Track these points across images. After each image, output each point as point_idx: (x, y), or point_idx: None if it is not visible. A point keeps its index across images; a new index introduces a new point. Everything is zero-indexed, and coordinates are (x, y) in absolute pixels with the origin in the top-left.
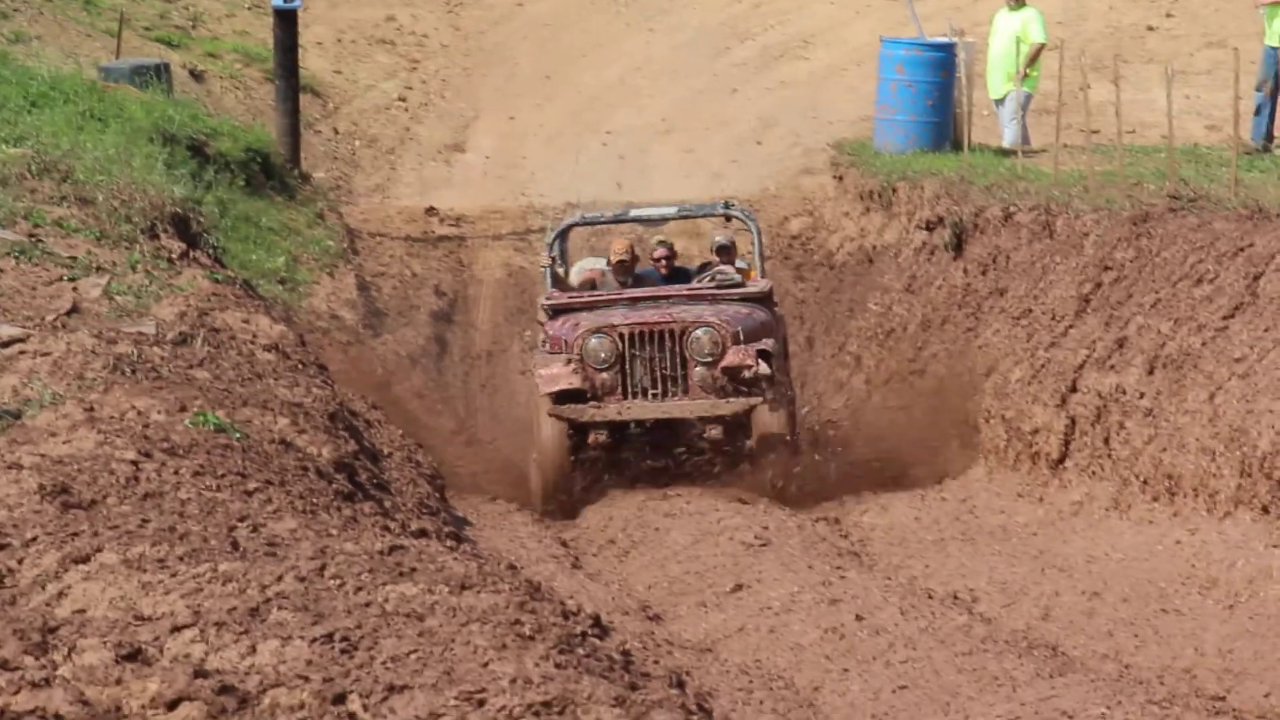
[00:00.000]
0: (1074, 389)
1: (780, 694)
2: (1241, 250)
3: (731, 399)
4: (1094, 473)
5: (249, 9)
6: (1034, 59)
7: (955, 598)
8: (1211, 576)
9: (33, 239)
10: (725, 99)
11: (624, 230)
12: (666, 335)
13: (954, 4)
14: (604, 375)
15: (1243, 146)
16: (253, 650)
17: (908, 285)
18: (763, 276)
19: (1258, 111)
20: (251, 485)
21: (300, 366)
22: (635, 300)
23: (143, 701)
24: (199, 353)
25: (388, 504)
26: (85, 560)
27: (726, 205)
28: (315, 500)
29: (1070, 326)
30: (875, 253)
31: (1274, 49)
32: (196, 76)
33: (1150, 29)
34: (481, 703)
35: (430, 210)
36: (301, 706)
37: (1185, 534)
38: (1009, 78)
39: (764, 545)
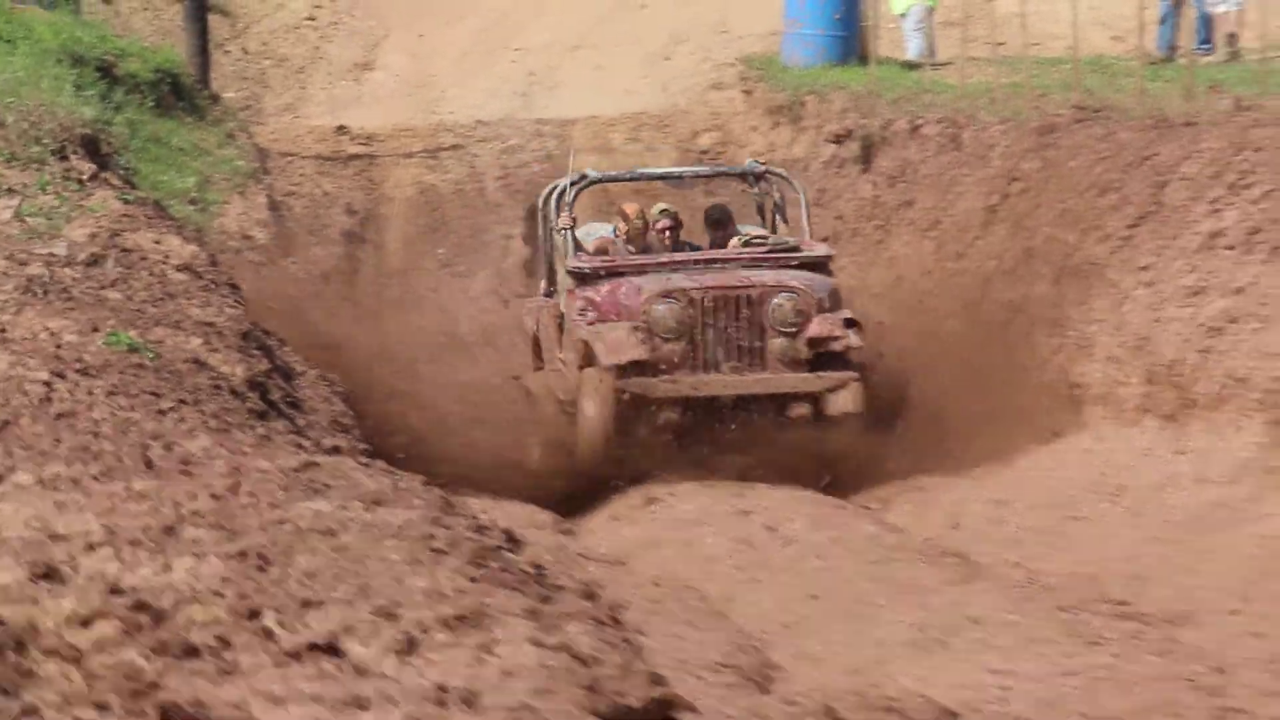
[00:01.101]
0: (981, 300)
1: (692, 604)
2: (1146, 159)
3: (821, 374)
4: (1002, 382)
5: None
6: None
7: (865, 508)
8: (1118, 484)
9: None
10: (635, 15)
11: (635, 196)
12: (744, 301)
13: None
14: (672, 345)
15: (1147, 57)
16: (167, 567)
17: (817, 198)
18: (812, 237)
19: (1162, 21)
20: (165, 404)
21: (212, 286)
22: (696, 263)
23: (58, 619)
24: (111, 273)
25: (301, 422)
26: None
27: (761, 165)
28: (228, 419)
29: (978, 238)
30: (784, 166)
31: None
32: (107, 1)
33: None
34: (395, 616)
35: (341, 129)
36: (217, 622)
37: (1092, 442)
38: None
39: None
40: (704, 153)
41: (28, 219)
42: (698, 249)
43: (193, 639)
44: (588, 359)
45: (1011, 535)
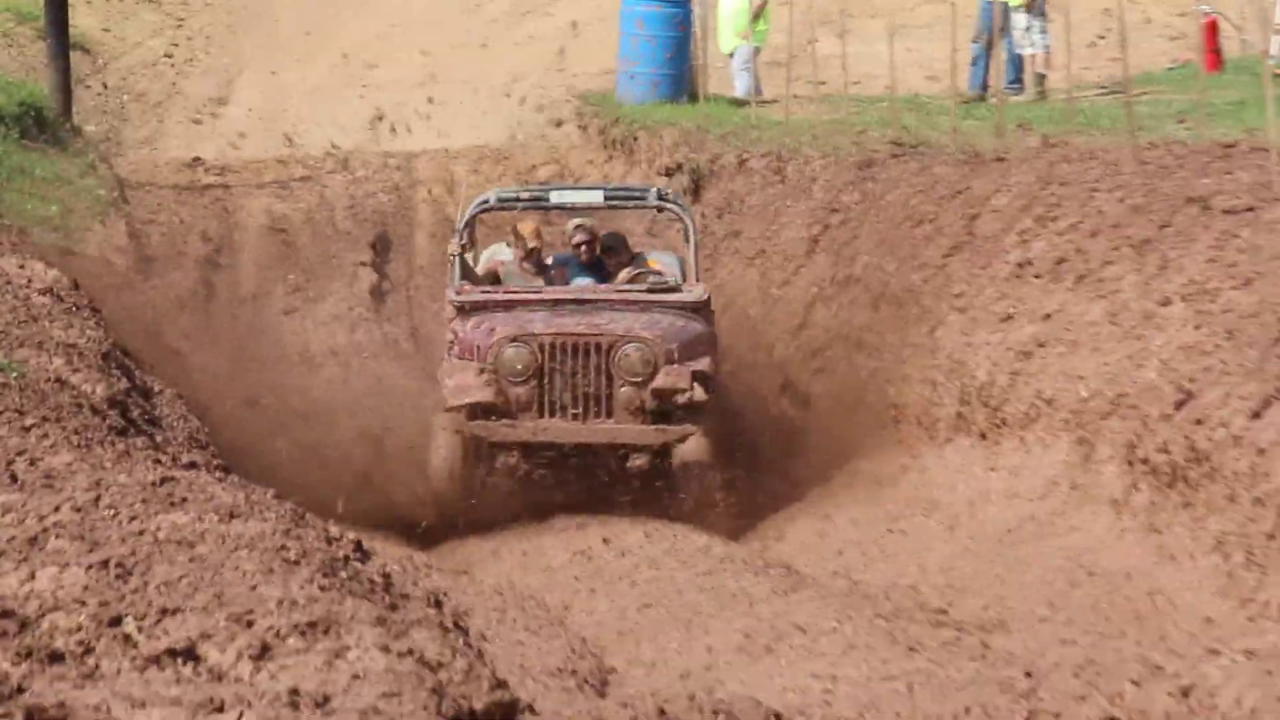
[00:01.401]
0: (804, 325)
1: (533, 612)
2: (959, 193)
3: (662, 427)
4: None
5: None
6: (759, 14)
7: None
8: (933, 499)
9: None
10: (478, 53)
11: (531, 218)
12: (592, 349)
13: None
14: (519, 390)
15: (960, 96)
16: (31, 576)
17: (649, 228)
18: (698, 278)
19: (974, 63)
20: (29, 421)
21: (74, 309)
22: (558, 302)
23: None
24: None
25: (159, 438)
26: None
27: (660, 195)
28: (90, 435)
29: (801, 266)
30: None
31: (989, 4)
32: None
33: None
34: (250, 624)
35: (196, 160)
36: (79, 629)
37: (909, 459)
38: (738, 33)
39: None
40: (542, 184)
41: None
42: (601, 266)
43: (57, 645)
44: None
45: (834, 547)
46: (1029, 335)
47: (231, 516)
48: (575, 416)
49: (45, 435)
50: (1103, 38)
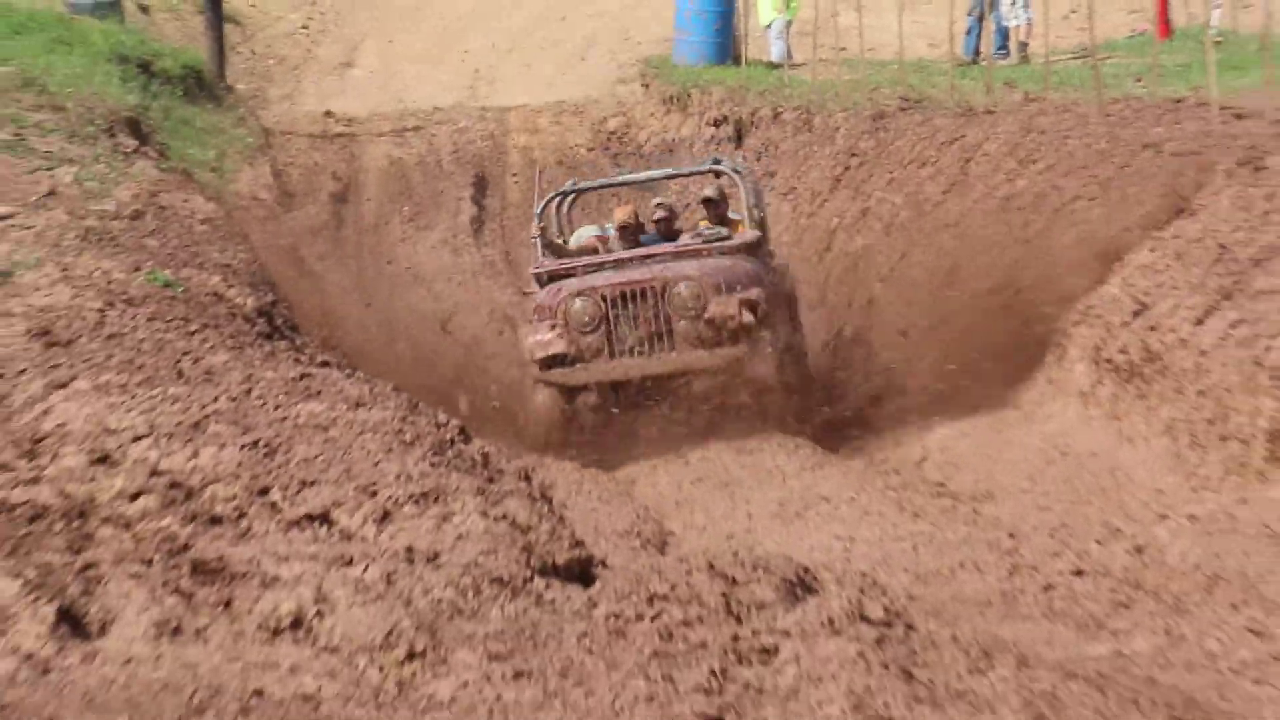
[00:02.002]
0: (828, 248)
1: (605, 485)
2: (956, 140)
3: (716, 350)
4: (844, 309)
5: None
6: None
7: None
8: None
9: (18, 138)
10: (556, 24)
11: (627, 196)
12: (648, 292)
13: None
14: (589, 338)
15: (957, 60)
16: (195, 455)
17: (699, 165)
18: (756, 226)
19: (969, 32)
20: (192, 328)
21: (228, 236)
22: (621, 262)
23: (110, 495)
24: (149, 225)
25: (299, 341)
26: (64, 386)
27: (715, 161)
28: (242, 339)
29: (825, 200)
30: (674, 144)
31: None
32: (144, 10)
33: None
34: (374, 493)
35: (328, 114)
36: (234, 497)
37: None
38: (774, 8)
39: None
40: (612, 133)
41: (85, 183)
42: (675, 227)
43: (216, 511)
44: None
45: (853, 433)
46: (1011, 257)
47: (358, 405)
48: (640, 353)
49: (205, 339)
50: (1075, 11)
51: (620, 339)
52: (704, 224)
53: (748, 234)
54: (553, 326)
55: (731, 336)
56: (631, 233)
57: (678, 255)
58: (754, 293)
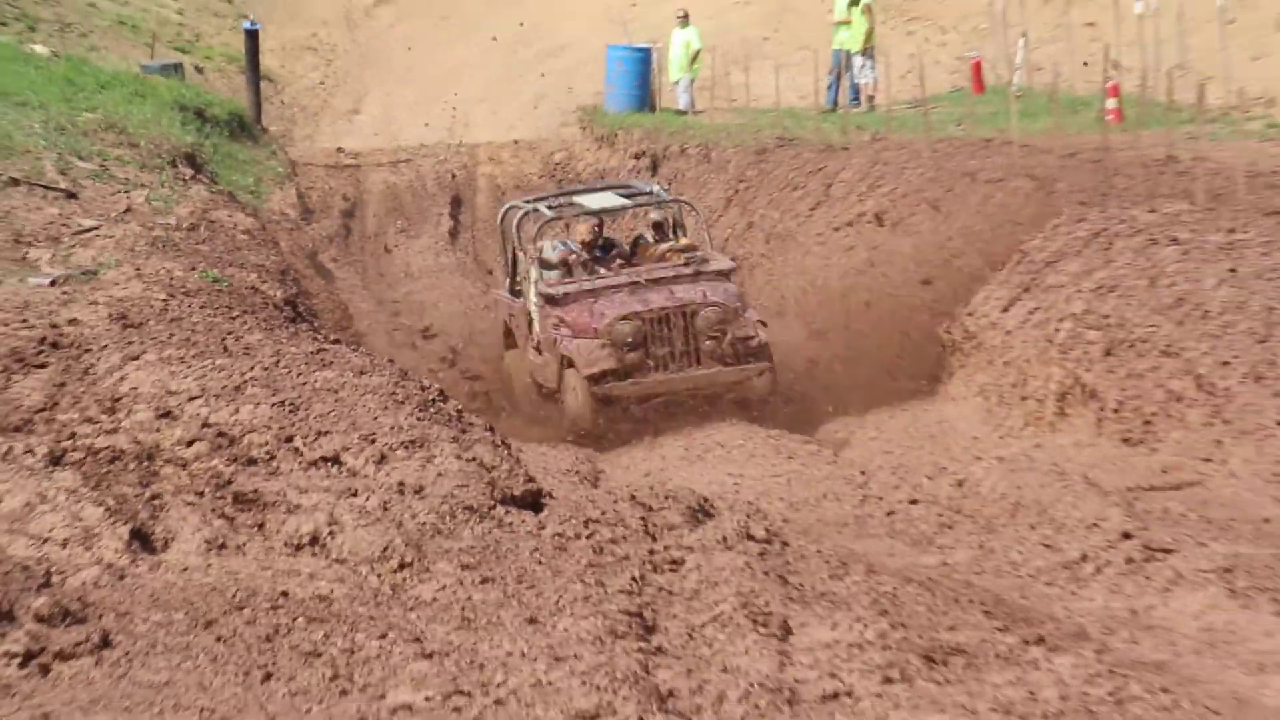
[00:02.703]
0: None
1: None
2: (819, 170)
3: (741, 365)
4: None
5: (230, 29)
6: (694, 58)
7: None
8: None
9: (103, 168)
10: (516, 81)
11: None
12: (681, 315)
13: (650, 22)
14: (631, 355)
15: (820, 109)
16: (236, 411)
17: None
18: (711, 249)
19: (829, 87)
20: (234, 313)
21: (262, 243)
22: (635, 285)
23: (171, 442)
24: (202, 235)
25: (317, 324)
26: (136, 358)
27: (665, 190)
28: (272, 322)
29: (720, 216)
30: (605, 172)
31: (837, 51)
32: (199, 70)
33: (765, 39)
34: (373, 441)
35: (339, 149)
36: (266, 444)
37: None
38: (681, 68)
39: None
40: (557, 164)
41: (153, 202)
42: (614, 243)
43: (252, 453)
44: (569, 363)
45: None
46: (863, 259)
47: (361, 373)
48: (677, 369)
49: (244, 322)
50: (910, 72)
51: (657, 355)
52: (665, 245)
53: (725, 261)
54: (602, 345)
55: (749, 354)
56: (591, 246)
57: (684, 278)
58: (757, 314)
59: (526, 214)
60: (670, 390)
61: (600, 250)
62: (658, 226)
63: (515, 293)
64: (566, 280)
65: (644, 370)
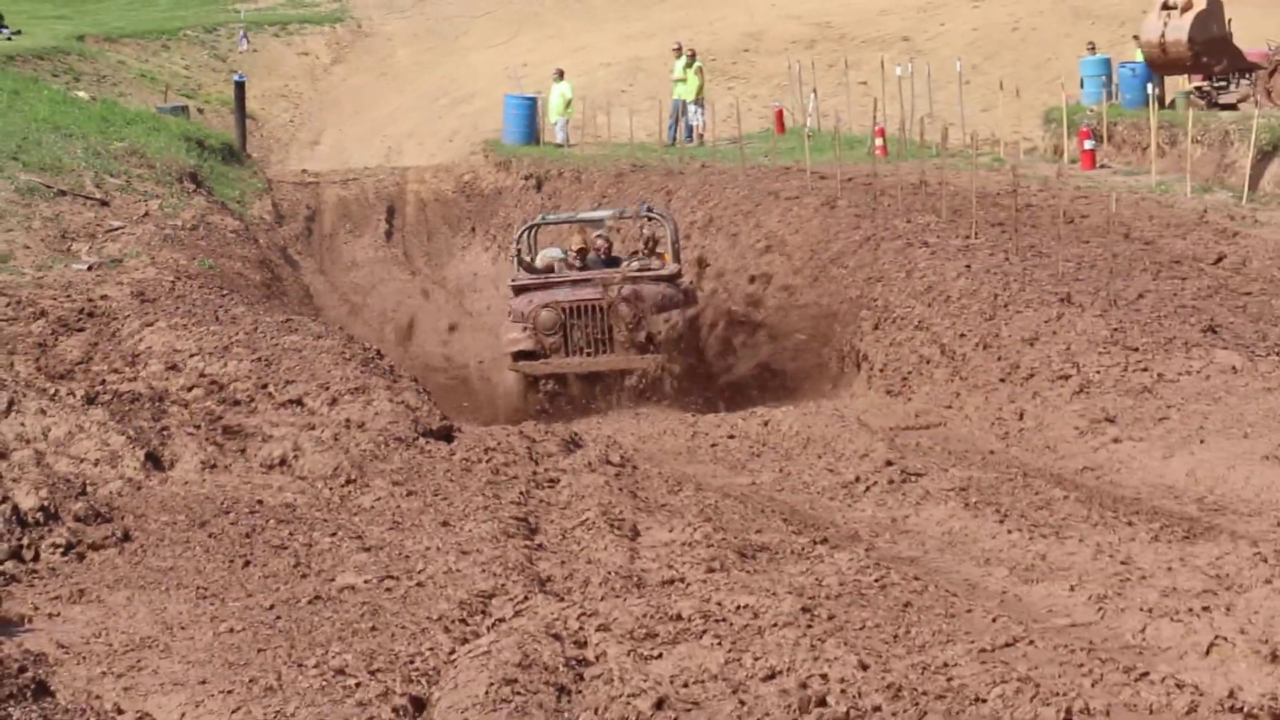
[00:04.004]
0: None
1: (458, 387)
2: (662, 188)
3: (645, 355)
4: None
5: (224, 81)
6: (568, 105)
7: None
8: None
9: (127, 183)
10: (437, 121)
11: (579, 228)
12: (597, 308)
13: (536, 78)
14: (550, 339)
15: (663, 144)
16: (225, 365)
17: (516, 203)
18: (676, 261)
19: (670, 127)
20: (224, 292)
21: (245, 239)
22: (577, 282)
23: (176, 387)
24: (201, 234)
25: (288, 301)
26: (151, 325)
27: (649, 209)
28: (252, 298)
29: None
30: (503, 191)
31: (676, 100)
32: (200, 111)
33: (623, 91)
34: (327, 388)
35: (304, 171)
36: (247, 389)
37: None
38: (558, 111)
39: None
40: (466, 183)
41: (164, 209)
42: (619, 259)
43: (237, 396)
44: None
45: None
46: (694, 255)
47: (319, 338)
48: (588, 354)
49: (231, 299)
50: (730, 117)
51: (574, 342)
52: (636, 257)
53: (670, 266)
54: (524, 329)
55: (657, 346)
56: (582, 255)
57: (622, 280)
58: (674, 315)
59: (532, 228)
60: (581, 372)
61: (602, 263)
62: (651, 240)
63: None
64: (530, 275)
65: (559, 353)
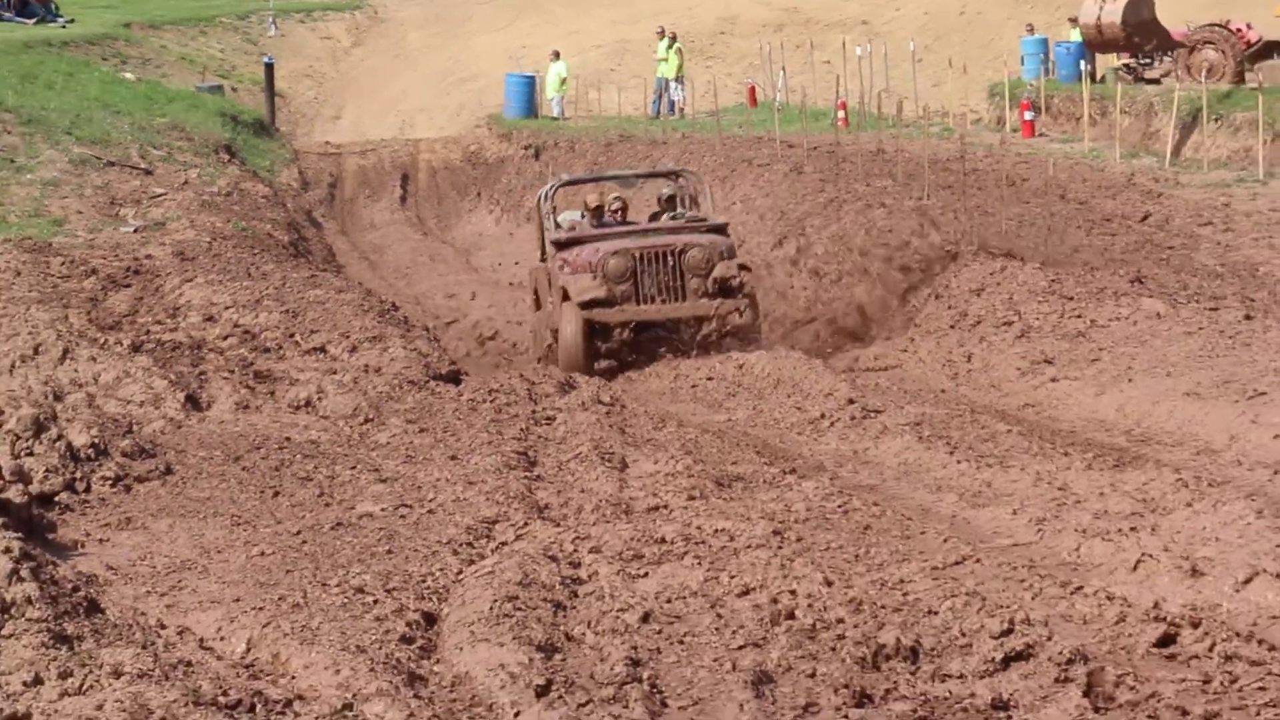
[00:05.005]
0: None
1: (471, 333)
2: (647, 156)
3: (720, 301)
4: None
5: (255, 63)
6: (563, 83)
7: None
8: None
9: (169, 154)
10: (445, 97)
11: (595, 189)
12: (669, 254)
13: (535, 58)
14: (622, 286)
15: (648, 117)
16: (257, 317)
17: (517, 170)
18: (714, 211)
19: (654, 103)
20: (256, 251)
21: (275, 204)
22: (634, 231)
23: (213, 336)
24: (235, 200)
25: (312, 259)
26: (190, 280)
27: (678, 167)
28: (281, 256)
29: (579, 189)
30: (505, 159)
31: (660, 78)
32: (234, 90)
33: (612, 70)
34: (348, 336)
35: (327, 143)
36: (276, 338)
37: None
38: (555, 88)
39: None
40: (473, 153)
41: (203, 177)
42: (635, 224)
43: (267, 345)
44: (565, 297)
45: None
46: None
47: (340, 291)
48: (661, 301)
49: (262, 257)
50: (708, 93)
51: (645, 289)
52: (660, 217)
53: (720, 218)
54: (594, 277)
55: (729, 292)
56: (598, 214)
57: (675, 230)
58: (740, 260)
59: (556, 187)
60: (654, 320)
61: (619, 224)
62: (669, 200)
63: (544, 260)
64: (573, 231)
65: (631, 300)
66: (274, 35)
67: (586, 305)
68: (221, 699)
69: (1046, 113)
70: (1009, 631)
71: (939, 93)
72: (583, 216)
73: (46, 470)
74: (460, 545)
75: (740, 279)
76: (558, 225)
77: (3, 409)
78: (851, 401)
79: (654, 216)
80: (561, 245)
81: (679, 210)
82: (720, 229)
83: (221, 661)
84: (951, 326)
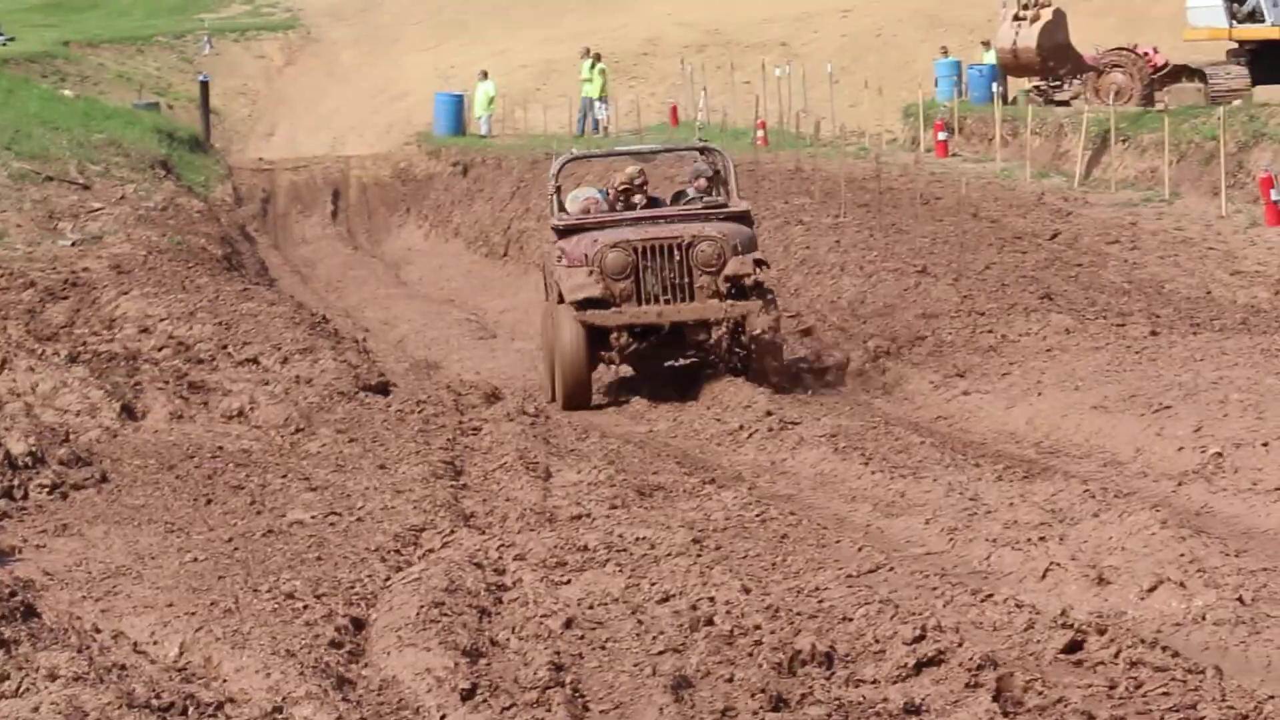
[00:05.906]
0: (508, 228)
1: (400, 347)
2: (572, 174)
3: (734, 303)
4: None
5: (190, 81)
6: (491, 101)
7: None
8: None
9: (106, 170)
10: (374, 116)
11: (622, 165)
12: (674, 248)
13: (462, 77)
14: (621, 284)
15: (573, 135)
16: (191, 329)
17: (445, 186)
18: (740, 196)
19: (580, 121)
20: (191, 265)
21: (209, 219)
22: (639, 220)
23: (148, 348)
24: (170, 214)
25: (246, 273)
26: (126, 293)
27: (703, 141)
28: (214, 270)
29: (507, 204)
30: (434, 176)
31: (585, 97)
32: (170, 107)
33: (538, 89)
34: (279, 348)
35: (260, 159)
36: (211, 350)
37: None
38: (482, 106)
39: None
40: (402, 170)
41: (139, 193)
42: (661, 201)
43: (201, 356)
44: (560, 296)
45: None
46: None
47: (272, 304)
48: (666, 301)
49: (197, 270)
50: (631, 111)
51: (648, 288)
52: (684, 198)
53: (742, 203)
54: (590, 273)
55: (743, 292)
56: (627, 194)
57: (688, 217)
58: (759, 254)
59: (564, 163)
60: (658, 323)
61: (647, 204)
62: (699, 176)
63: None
64: (577, 216)
65: (632, 300)
66: (209, 54)
67: (581, 305)
68: (155, 702)
69: (960, 133)
70: (921, 638)
71: (856, 113)
72: (606, 195)
73: None
74: (388, 552)
75: (757, 277)
76: (563, 208)
77: None
78: (769, 413)
79: (675, 198)
80: (561, 232)
81: (690, 194)
82: (741, 216)
83: (155, 665)
84: (865, 341)
